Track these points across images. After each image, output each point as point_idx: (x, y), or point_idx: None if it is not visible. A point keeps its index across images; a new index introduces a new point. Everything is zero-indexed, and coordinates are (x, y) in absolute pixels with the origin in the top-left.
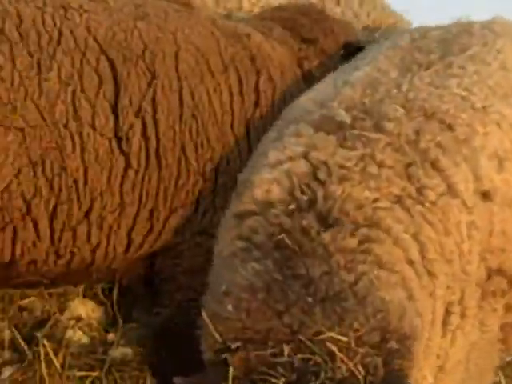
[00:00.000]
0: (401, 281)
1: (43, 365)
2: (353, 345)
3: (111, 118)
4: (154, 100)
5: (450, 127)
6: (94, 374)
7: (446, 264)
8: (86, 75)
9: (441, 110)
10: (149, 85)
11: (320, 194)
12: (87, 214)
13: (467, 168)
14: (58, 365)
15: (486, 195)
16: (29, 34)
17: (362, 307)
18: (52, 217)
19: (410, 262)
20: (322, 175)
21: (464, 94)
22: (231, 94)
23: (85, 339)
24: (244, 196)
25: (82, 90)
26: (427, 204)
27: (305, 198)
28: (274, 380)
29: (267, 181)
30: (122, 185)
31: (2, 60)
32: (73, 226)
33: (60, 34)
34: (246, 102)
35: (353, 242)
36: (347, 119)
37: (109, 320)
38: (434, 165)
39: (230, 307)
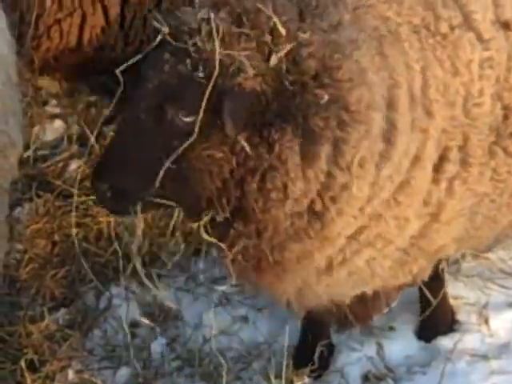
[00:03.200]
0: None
1: None
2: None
3: None
4: None
5: None
6: None
7: (447, 106)
8: None
9: None
10: None
11: None
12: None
13: None
14: None
15: (506, 25)
16: None
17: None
18: (123, 3)
19: (410, 93)
20: None
21: None
22: None
23: None
24: None
25: None
26: (438, 37)
27: None
28: None
29: None
30: None
31: None
32: (144, 15)
33: None
34: None
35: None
36: None
37: None
38: None
39: None
